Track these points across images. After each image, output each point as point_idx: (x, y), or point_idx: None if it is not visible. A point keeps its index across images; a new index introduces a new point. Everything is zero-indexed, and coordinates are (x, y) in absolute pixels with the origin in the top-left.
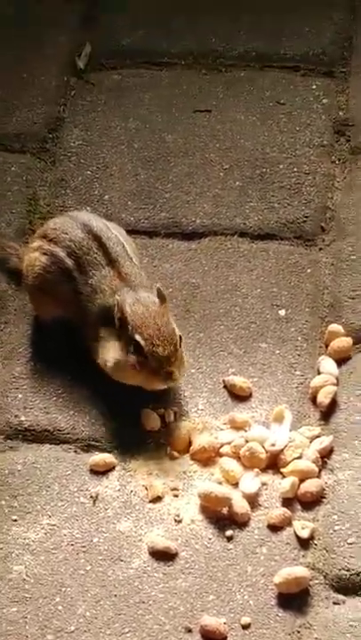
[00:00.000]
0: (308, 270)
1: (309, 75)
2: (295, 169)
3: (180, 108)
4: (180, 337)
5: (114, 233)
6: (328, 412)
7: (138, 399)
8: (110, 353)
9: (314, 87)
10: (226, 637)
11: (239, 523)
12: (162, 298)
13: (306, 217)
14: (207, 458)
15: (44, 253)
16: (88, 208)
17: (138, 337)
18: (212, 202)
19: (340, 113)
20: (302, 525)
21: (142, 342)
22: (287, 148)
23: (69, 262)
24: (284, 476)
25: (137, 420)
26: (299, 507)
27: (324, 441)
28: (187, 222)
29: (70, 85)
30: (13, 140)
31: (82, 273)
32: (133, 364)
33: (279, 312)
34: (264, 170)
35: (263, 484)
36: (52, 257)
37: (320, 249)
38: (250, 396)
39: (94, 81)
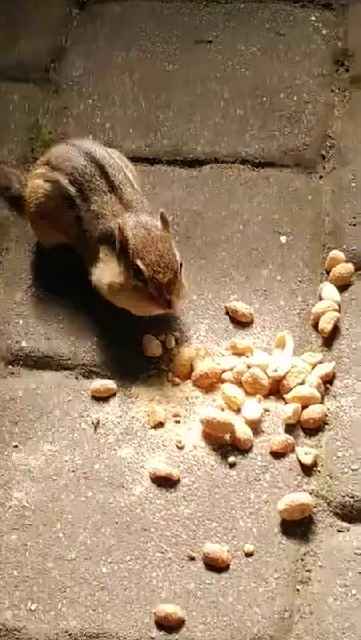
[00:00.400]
0: (309, 197)
1: (308, 6)
2: (295, 98)
3: (180, 38)
4: (182, 264)
5: (116, 160)
6: (330, 339)
7: (139, 325)
8: (106, 274)
9: (313, 18)
10: (229, 565)
11: (242, 449)
12: (165, 222)
13: (306, 145)
14: (209, 384)
15: (47, 180)
16: (90, 136)
17: (139, 262)
18: (214, 130)
19: (339, 43)
20: (305, 452)
21: (143, 268)
22: (287, 78)
23: (72, 189)
24: (286, 403)
25: (138, 347)
26: (301, 433)
27: (327, 367)
28: (188, 150)
29: (72, 16)
30: (16, 70)
31: (84, 200)
32: (134, 289)
33: (280, 239)
34: (264, 99)
35: (266, 410)
36: (55, 184)
37: (321, 176)
38: (252, 322)
39: (96, 12)
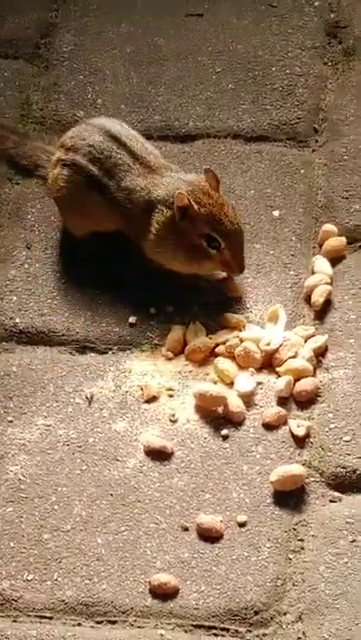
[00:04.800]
0: (302, 171)
1: None
2: (288, 71)
3: (172, 11)
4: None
5: (131, 131)
6: (323, 312)
7: (132, 300)
8: (167, 245)
9: None
10: (222, 535)
11: (235, 422)
12: (217, 181)
13: (299, 118)
14: (202, 358)
15: (65, 165)
16: (81, 112)
17: (214, 234)
18: (205, 104)
19: (332, 15)
20: (298, 424)
21: (218, 237)
22: (280, 51)
23: (94, 169)
24: (279, 376)
25: (132, 321)
26: (294, 405)
27: (319, 340)
28: (180, 125)
29: None
30: (6, 46)
31: (110, 178)
32: (205, 257)
33: (273, 213)
34: (257, 72)
35: (258, 383)
36: (74, 167)
37: (313, 150)
38: (244, 296)
39: None
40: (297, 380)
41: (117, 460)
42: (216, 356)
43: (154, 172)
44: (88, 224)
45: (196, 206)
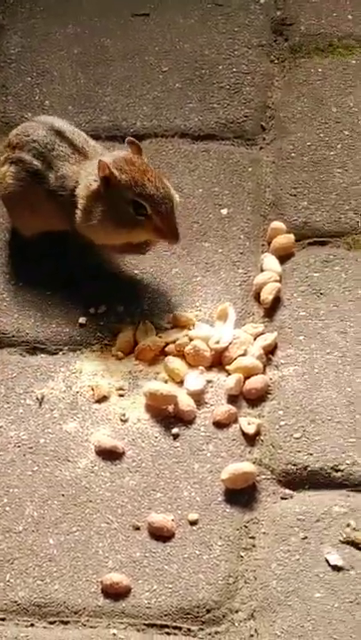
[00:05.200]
0: (250, 169)
1: None
2: (234, 69)
3: (118, 12)
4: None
5: (77, 129)
6: (272, 309)
7: (82, 300)
8: (94, 218)
9: None
10: (174, 534)
11: (185, 420)
12: (137, 149)
13: (246, 116)
14: (152, 357)
15: (12, 162)
16: (29, 114)
17: (138, 198)
18: (153, 104)
19: (278, 12)
20: (248, 422)
21: (145, 203)
22: (226, 49)
23: (38, 163)
24: (229, 374)
25: (82, 322)
26: (244, 403)
27: (269, 337)
28: (127, 125)
29: None
30: None
31: (50, 169)
32: (135, 226)
33: (221, 211)
34: (203, 71)
35: (208, 381)
36: (20, 163)
37: (261, 148)
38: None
39: None
40: (247, 377)
41: (68, 461)
42: (166, 354)
43: (87, 159)
44: (35, 222)
45: (117, 173)
